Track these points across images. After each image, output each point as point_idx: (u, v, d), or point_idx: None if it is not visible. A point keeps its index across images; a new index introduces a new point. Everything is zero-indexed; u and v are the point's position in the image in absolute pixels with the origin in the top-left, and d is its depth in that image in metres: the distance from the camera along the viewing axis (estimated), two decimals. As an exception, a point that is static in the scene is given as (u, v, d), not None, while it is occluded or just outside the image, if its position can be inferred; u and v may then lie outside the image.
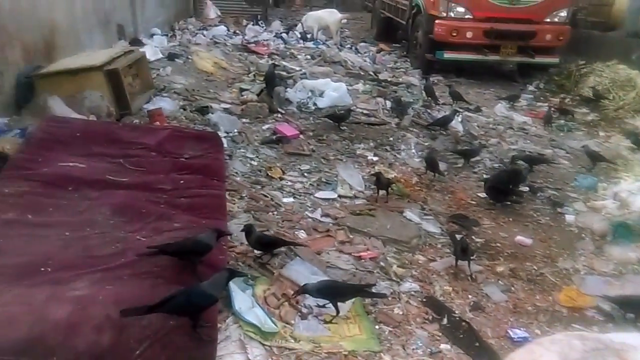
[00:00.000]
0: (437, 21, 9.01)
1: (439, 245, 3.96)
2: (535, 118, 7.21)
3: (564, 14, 9.08)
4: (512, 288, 3.50)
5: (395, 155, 5.57)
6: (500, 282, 3.55)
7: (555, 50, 9.23)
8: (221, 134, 5.16)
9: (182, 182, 3.94)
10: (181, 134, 4.74)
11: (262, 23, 12.38)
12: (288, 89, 6.72)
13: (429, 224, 4.23)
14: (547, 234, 4.25)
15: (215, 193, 3.89)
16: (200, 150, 4.47)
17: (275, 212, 4.08)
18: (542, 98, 8.42)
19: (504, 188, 4.70)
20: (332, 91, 6.58)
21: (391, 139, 5.95)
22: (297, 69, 7.91)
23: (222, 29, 10.58)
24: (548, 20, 8.97)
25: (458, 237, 3.77)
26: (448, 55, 9.12)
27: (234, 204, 4.06)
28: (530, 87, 8.95)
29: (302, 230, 3.88)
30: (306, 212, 4.16)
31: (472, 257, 3.60)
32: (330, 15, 11.52)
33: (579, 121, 7.18)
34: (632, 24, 11.41)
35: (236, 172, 4.62)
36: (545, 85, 9.09)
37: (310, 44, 10.42)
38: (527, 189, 4.98)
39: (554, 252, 3.98)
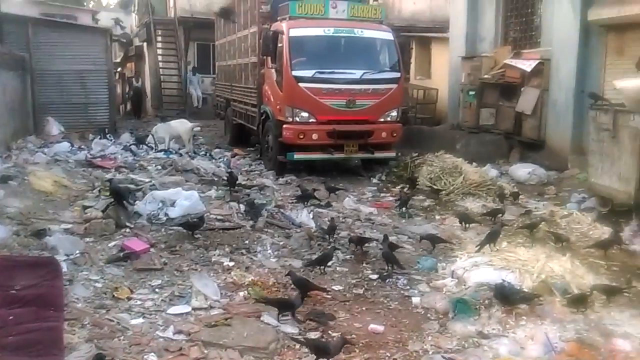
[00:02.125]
0: (284, 126, 9.61)
1: (297, 346, 3.95)
2: (379, 208, 7.76)
3: (394, 113, 10.19)
4: (368, 379, 3.57)
5: (251, 258, 5.59)
6: (356, 375, 3.61)
7: (391, 145, 10.23)
8: (60, 257, 4.83)
9: (11, 318, 3.59)
10: (12, 263, 4.34)
11: (110, 136, 12.15)
12: (137, 201, 6.56)
13: (287, 325, 4.23)
14: (397, 319, 4.45)
15: (50, 326, 3.58)
16: (34, 278, 4.10)
17: (122, 337, 3.82)
18: (384, 189, 9.13)
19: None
20: (184, 200, 6.55)
21: (247, 241, 5.99)
22: (147, 180, 7.81)
23: (65, 145, 10.21)
24: (382, 120, 9.98)
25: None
26: (298, 156, 9.68)
27: (74, 334, 3.74)
28: (374, 180, 9.69)
29: (153, 353, 3.65)
30: (157, 332, 3.96)
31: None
32: (181, 125, 11.72)
33: (418, 207, 7.86)
34: (453, 118, 13.16)
35: (77, 298, 4.30)
36: (387, 177, 9.92)
37: (160, 155, 10.40)
38: (377, 276, 5.27)
39: (404, 336, 4.16)
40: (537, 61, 10.50)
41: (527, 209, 7.49)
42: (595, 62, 9.42)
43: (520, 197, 8.05)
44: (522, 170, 9.25)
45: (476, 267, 5.24)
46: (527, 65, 10.70)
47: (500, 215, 6.96)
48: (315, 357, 3.62)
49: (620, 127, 6.72)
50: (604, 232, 6.30)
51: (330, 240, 6.16)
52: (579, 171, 8.67)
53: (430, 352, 3.93)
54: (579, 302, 4.46)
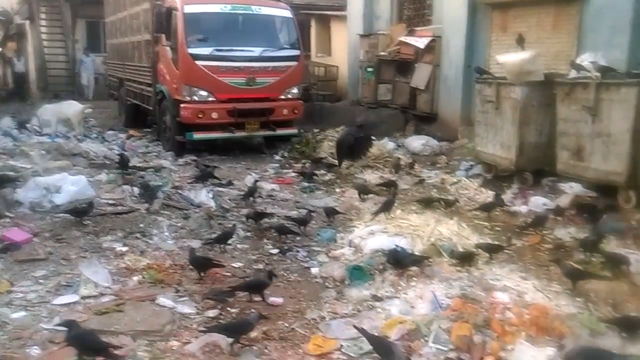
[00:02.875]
0: (182, 105, 9.31)
1: (195, 326, 3.89)
2: (282, 184, 7.78)
3: (295, 90, 10.20)
4: (266, 350, 3.60)
5: (147, 242, 5.39)
6: (254, 347, 3.62)
7: (293, 122, 10.25)
8: None
9: None
10: None
11: (-13, 122, 11.12)
12: (17, 189, 6.08)
13: (185, 306, 4.15)
14: (297, 290, 4.52)
15: None
16: None
17: (0, 333, 3.54)
18: (287, 165, 9.16)
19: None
20: (71, 185, 6.15)
21: (142, 225, 5.76)
22: (29, 166, 7.25)
23: None
24: (283, 97, 9.95)
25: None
26: (197, 135, 9.44)
27: (-56, 334, 3.42)
28: (277, 157, 9.69)
29: (36, 347, 3.44)
30: (41, 324, 3.71)
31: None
32: (70, 107, 10.98)
33: (319, 182, 7.97)
34: (353, 94, 13.41)
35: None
36: (289, 153, 9.95)
37: (45, 139, 9.69)
38: (278, 250, 5.31)
39: (303, 306, 4.23)
40: (430, 38, 10.92)
41: (420, 178, 7.86)
42: (481, 38, 9.95)
43: (415, 167, 8.41)
44: (417, 142, 9.65)
45: (372, 235, 5.42)
46: (420, 42, 11.10)
47: (394, 186, 7.22)
48: (229, 337, 3.60)
49: (503, 99, 7.19)
50: (488, 196, 6.74)
51: (251, 201, 6.52)
52: (467, 141, 9.19)
53: (328, 319, 4.03)
54: (465, 259, 4.77)
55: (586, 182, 6.44)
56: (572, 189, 6.45)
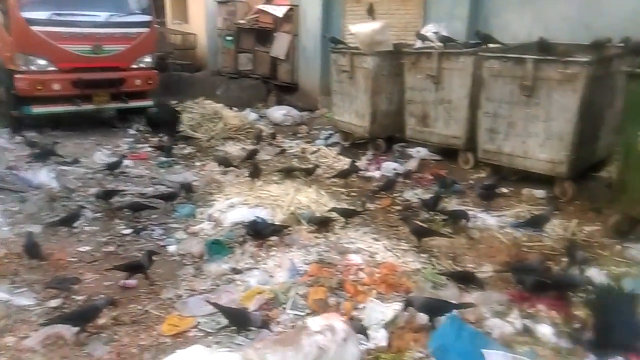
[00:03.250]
0: (17, 76, 8.31)
1: (34, 318, 3.55)
2: (136, 160, 7.35)
3: (148, 59, 9.56)
4: (116, 336, 3.40)
5: (-25, 231, 4.79)
6: (102, 335, 3.40)
7: (147, 93, 9.65)
8: None
9: None
10: None
11: None
12: None
13: (22, 298, 3.77)
14: (152, 270, 4.29)
15: None
16: None
17: None
18: (142, 139, 8.67)
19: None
20: None
21: (-33, 213, 5.10)
22: None
23: None
24: (135, 66, 9.30)
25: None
26: (37, 110, 8.51)
27: None
28: (131, 131, 9.11)
29: None
30: None
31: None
32: None
33: (178, 156, 7.66)
34: (213, 64, 13.01)
35: None
36: (146, 127, 9.41)
37: None
38: (131, 230, 5.02)
39: (158, 286, 4.06)
40: (288, 7, 10.89)
41: (282, 149, 7.90)
42: (336, 8, 10.14)
43: (277, 137, 8.42)
44: (279, 113, 9.67)
45: (232, 208, 5.35)
46: (278, 11, 11.03)
47: (256, 155, 7.19)
48: (74, 326, 3.32)
49: (356, 69, 7.41)
50: (345, 163, 6.97)
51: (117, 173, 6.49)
52: (327, 110, 9.41)
53: (185, 297, 3.91)
54: (321, 224, 4.90)
55: (431, 147, 6.93)
56: (419, 153, 6.92)
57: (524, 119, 5.59)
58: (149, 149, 8.07)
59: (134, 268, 4.11)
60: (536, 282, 3.62)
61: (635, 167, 4.34)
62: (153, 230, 5.08)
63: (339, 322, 2.28)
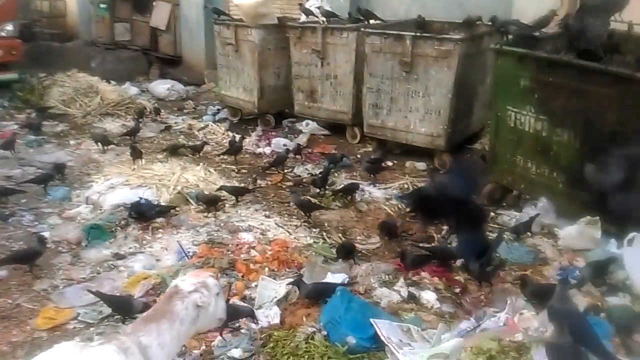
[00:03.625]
0: None
1: None
2: (1, 139, 6.62)
3: (10, 27, 8.61)
4: (-17, 337, 3.08)
5: None
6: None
7: (11, 65, 8.69)
8: None
9: None
10: None
11: None
12: None
13: None
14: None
15: None
16: None
17: None
18: (7, 117, 7.82)
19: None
20: None
21: None
22: None
23: None
24: (-6, 35, 8.33)
25: None
26: None
27: None
28: (-7, 107, 8.19)
29: None
30: None
31: None
32: None
33: (49, 134, 7.02)
34: (86, 34, 12.03)
35: None
36: (10, 102, 8.49)
37: None
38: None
39: (29, 278, 3.72)
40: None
41: (167, 125, 7.54)
42: (219, -23, 9.76)
43: (161, 113, 8.02)
44: (162, 87, 9.18)
45: (112, 190, 5.03)
46: (155, -24, 10.40)
47: (138, 132, 6.80)
48: None
49: (241, 42, 7.21)
50: (235, 139, 6.81)
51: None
52: (214, 85, 9.11)
53: (62, 287, 3.63)
54: (210, 203, 4.77)
55: (320, 122, 7.00)
56: (308, 128, 6.96)
57: (405, 95, 5.81)
58: (15, 126, 7.30)
59: (26, 257, 3.74)
60: (415, 257, 3.82)
61: (504, 140, 4.69)
62: (23, 216, 4.64)
63: (209, 278, 2.24)
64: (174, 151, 6.16)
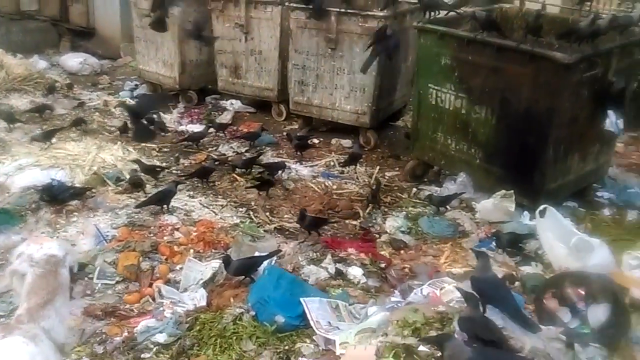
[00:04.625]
0: None
1: None
2: None
3: None
4: None
5: None
6: None
7: None
8: None
9: None
10: None
11: None
12: None
13: None
14: None
15: None
16: None
17: None
18: None
19: None
20: None
21: None
22: None
23: None
24: None
25: None
26: None
27: None
28: None
29: None
30: None
31: None
32: None
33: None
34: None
35: None
36: None
37: None
38: None
39: None
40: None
41: (80, 101, 7.09)
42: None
43: (73, 88, 7.53)
44: (74, 60, 8.58)
45: (21, 171, 4.70)
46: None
47: (49, 110, 6.36)
48: None
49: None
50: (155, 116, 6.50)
51: None
52: (131, 59, 8.64)
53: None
54: (135, 185, 4.57)
55: (245, 99, 6.85)
56: (233, 106, 6.79)
57: (330, 72, 5.79)
58: None
59: None
60: (312, 219, 3.99)
61: (426, 117, 4.81)
62: None
63: (49, 244, 2.15)
64: (77, 125, 5.81)
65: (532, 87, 4.00)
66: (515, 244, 3.83)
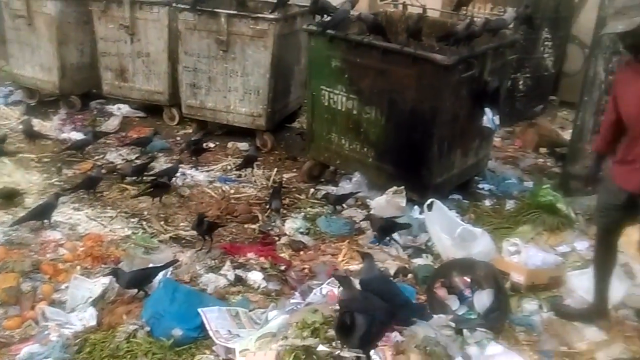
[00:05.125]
0: None
1: None
2: None
3: None
4: None
5: None
6: None
7: None
8: None
9: None
10: None
11: None
12: None
13: None
14: None
15: None
16: None
17: None
18: None
19: None
20: None
21: None
22: None
23: None
24: None
25: None
26: None
27: None
28: None
29: None
30: None
31: None
32: None
33: None
34: None
35: None
36: None
37: None
38: None
39: None
40: None
41: (-57, 110, 6.39)
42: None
43: None
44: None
45: None
46: None
47: None
48: None
49: (35, 14, 6.34)
50: (34, 125, 6.02)
51: None
52: (4, 63, 7.91)
53: None
54: (9, 197, 4.21)
55: (134, 103, 6.54)
56: (120, 111, 6.46)
57: (223, 74, 5.69)
58: None
59: None
60: (210, 223, 3.96)
61: (320, 118, 4.88)
62: None
63: None
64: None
65: (416, 87, 4.20)
66: (388, 231, 3.97)
